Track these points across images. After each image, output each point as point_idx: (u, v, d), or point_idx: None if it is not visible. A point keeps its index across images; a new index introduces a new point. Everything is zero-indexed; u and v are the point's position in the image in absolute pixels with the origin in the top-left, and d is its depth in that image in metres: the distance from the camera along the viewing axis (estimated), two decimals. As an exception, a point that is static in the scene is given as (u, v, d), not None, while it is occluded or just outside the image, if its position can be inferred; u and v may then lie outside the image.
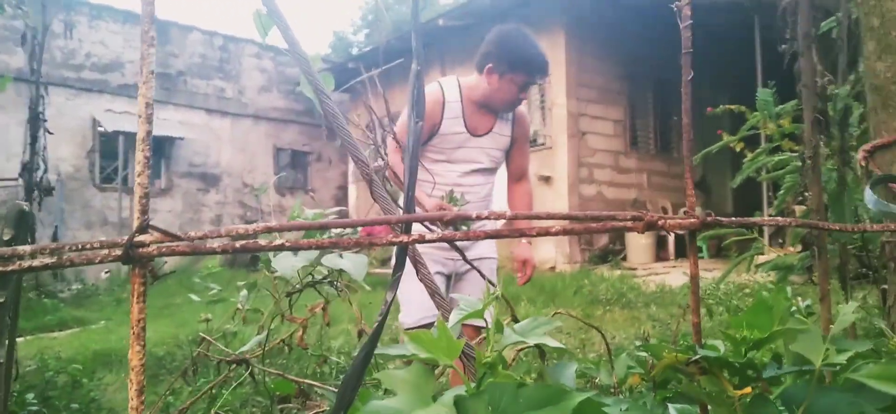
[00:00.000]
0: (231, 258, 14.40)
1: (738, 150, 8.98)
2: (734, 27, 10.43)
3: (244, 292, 2.45)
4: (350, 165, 16.74)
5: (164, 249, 0.75)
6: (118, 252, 0.74)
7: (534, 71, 2.71)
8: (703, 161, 13.64)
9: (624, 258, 10.96)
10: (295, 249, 0.70)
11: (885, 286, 1.04)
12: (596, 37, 11.11)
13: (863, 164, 1.06)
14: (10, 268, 0.73)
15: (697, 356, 0.74)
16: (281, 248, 0.73)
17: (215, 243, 0.75)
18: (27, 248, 0.73)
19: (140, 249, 0.73)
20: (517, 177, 3.01)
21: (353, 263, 1.33)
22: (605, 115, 11.54)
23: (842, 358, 0.73)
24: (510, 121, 2.88)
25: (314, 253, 1.41)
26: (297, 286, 1.53)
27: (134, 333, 0.74)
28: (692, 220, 0.81)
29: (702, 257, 11.80)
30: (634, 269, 10.10)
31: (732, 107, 9.48)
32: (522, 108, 2.92)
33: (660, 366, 0.83)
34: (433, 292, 1.15)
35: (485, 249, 2.89)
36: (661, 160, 12.65)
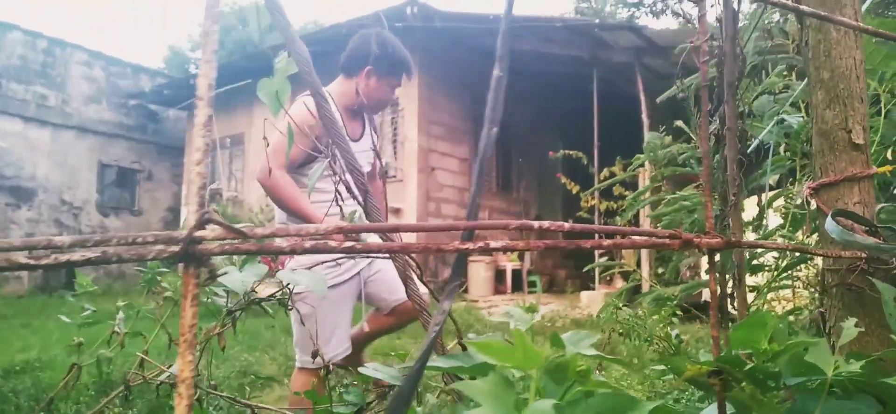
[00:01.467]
0: (44, 281, 12.99)
1: (574, 191, 9.52)
2: (574, 79, 11.22)
3: (121, 314, 2.24)
4: (183, 186, 15.82)
5: (227, 247, 0.67)
6: (175, 248, 0.65)
7: (408, 72, 2.81)
8: (538, 200, 14.28)
9: (465, 291, 11.25)
10: (366, 253, 0.66)
11: (823, 310, 1.17)
12: (445, 77, 11.46)
13: (809, 199, 1.20)
14: (43, 262, 0.62)
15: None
16: (351, 251, 0.68)
17: (283, 243, 0.68)
18: (65, 239, 0.62)
19: (199, 246, 0.66)
20: (373, 178, 3.03)
21: (312, 280, 1.26)
22: (452, 153, 11.89)
23: (855, 367, 0.82)
24: (372, 123, 2.95)
25: (264, 269, 1.33)
26: (239, 304, 1.42)
27: (185, 341, 0.66)
28: (717, 239, 0.87)
29: (535, 290, 12.40)
30: (476, 301, 10.41)
31: (570, 151, 10.07)
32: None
33: (683, 378, 0.88)
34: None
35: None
36: (502, 198, 13.22)
